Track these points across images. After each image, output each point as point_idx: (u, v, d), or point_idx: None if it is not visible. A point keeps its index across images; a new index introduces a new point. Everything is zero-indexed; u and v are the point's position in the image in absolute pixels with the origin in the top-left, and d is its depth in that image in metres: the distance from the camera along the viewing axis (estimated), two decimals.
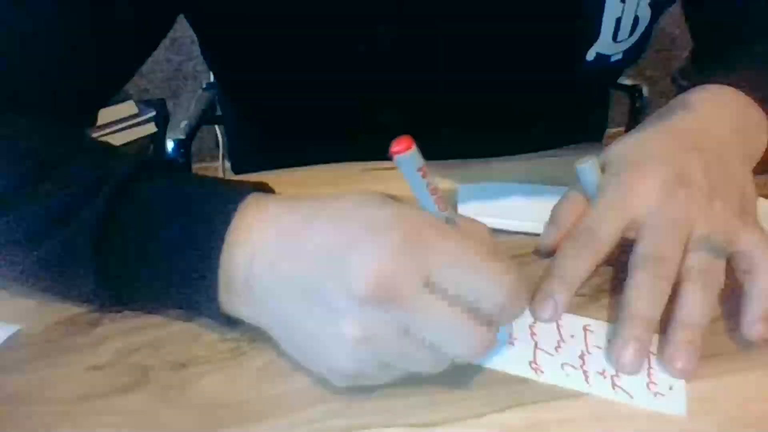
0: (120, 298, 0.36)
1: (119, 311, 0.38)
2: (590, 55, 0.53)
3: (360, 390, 0.32)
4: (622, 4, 0.50)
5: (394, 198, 0.31)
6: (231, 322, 0.35)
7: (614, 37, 0.52)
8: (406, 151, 0.30)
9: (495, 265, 0.30)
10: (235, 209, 0.33)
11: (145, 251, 0.34)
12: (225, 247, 0.33)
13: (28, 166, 0.37)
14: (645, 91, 1.00)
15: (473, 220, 0.34)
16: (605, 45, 0.52)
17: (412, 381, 0.33)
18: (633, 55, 0.55)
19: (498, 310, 0.30)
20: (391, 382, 0.32)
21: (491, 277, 0.30)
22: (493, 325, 0.30)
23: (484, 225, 0.33)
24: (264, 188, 0.37)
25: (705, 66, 0.53)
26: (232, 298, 0.33)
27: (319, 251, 0.30)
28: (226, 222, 0.33)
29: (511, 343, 0.36)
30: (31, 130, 0.41)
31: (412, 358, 0.30)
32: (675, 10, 0.57)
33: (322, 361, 0.31)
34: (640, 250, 0.37)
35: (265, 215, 0.33)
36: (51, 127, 0.41)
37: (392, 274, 0.28)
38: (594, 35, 0.52)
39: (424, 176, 0.31)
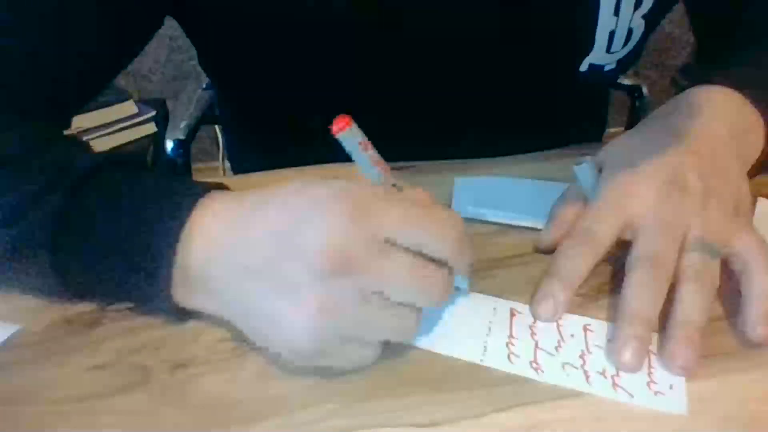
0: (76, 292, 0.37)
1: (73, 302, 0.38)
2: (584, 66, 0.53)
3: (360, 390, 0.32)
4: (615, 18, 0.50)
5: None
6: (183, 315, 0.36)
7: (608, 49, 0.52)
8: (345, 128, 0.32)
9: (437, 214, 0.33)
10: (189, 206, 0.34)
11: (101, 246, 0.35)
12: (180, 242, 0.33)
13: None
14: (645, 91, 1.00)
15: (416, 188, 0.36)
16: (599, 56, 0.53)
17: (413, 381, 0.33)
18: (627, 63, 0.55)
19: (448, 252, 0.32)
20: (353, 366, 0.33)
21: (436, 223, 0.32)
22: (449, 269, 0.33)
23: (427, 192, 0.36)
24: (221, 187, 0.37)
25: (705, 66, 0.53)
26: (192, 292, 0.34)
27: (269, 235, 0.32)
28: (180, 218, 0.34)
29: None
30: None
31: (378, 322, 0.31)
32: (675, 11, 0.57)
33: (284, 341, 0.31)
34: (637, 251, 0.38)
35: (217, 210, 0.34)
36: (19, 123, 0.41)
37: (347, 242, 0.30)
38: (587, 48, 0.52)
39: (365, 149, 0.34)
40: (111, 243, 0.34)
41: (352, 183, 0.32)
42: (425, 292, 0.32)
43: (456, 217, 0.33)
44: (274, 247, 0.31)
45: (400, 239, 0.31)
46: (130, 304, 0.37)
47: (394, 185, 0.35)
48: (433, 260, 0.32)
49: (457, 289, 0.38)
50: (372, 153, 0.34)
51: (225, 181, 0.38)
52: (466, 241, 0.33)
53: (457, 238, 0.33)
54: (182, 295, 0.35)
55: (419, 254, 0.32)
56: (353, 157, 0.34)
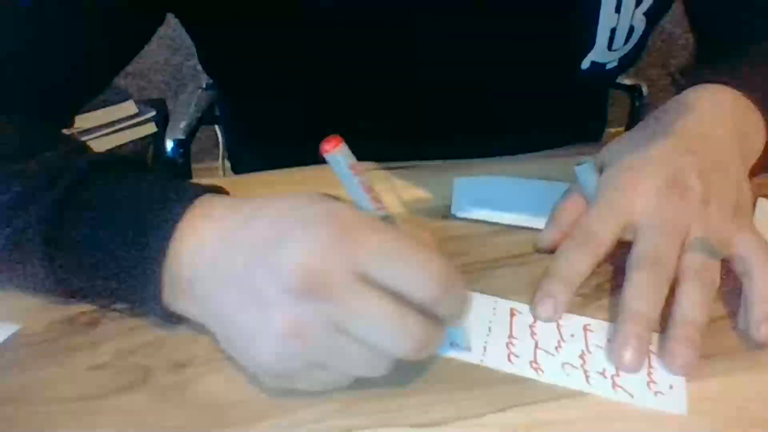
0: (68, 291, 0.37)
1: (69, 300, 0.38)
2: (585, 64, 0.53)
3: (360, 390, 0.32)
4: (616, 15, 0.50)
5: (335, 197, 0.32)
6: (175, 319, 0.36)
7: (609, 47, 0.52)
8: (334, 150, 0.30)
9: (424, 256, 0.29)
10: (182, 210, 0.34)
11: (93, 246, 0.35)
12: (171, 246, 0.33)
13: None
14: (645, 91, 1.00)
15: (414, 224, 0.34)
16: (600, 54, 0.52)
17: (413, 381, 0.33)
18: (629, 61, 0.55)
19: (430, 300, 0.29)
20: (322, 389, 0.32)
21: (420, 267, 0.29)
22: (437, 320, 0.30)
23: (427, 231, 0.33)
24: (218, 190, 0.37)
25: (705, 66, 0.53)
26: (178, 297, 0.34)
27: (253, 247, 0.31)
28: (173, 222, 0.34)
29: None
30: None
31: (346, 356, 0.29)
32: (675, 10, 0.57)
33: (252, 357, 0.31)
34: (637, 251, 0.38)
35: (210, 216, 0.34)
36: (19, 123, 0.42)
37: (321, 266, 0.28)
38: (589, 45, 0.52)
39: (356, 174, 0.31)
40: (104, 246, 0.34)
41: (342, 206, 0.31)
42: (397, 340, 0.29)
43: (446, 264, 0.29)
44: (252, 260, 0.30)
45: (379, 273, 0.29)
46: (127, 305, 0.38)
47: (386, 217, 0.32)
48: (415, 307, 0.29)
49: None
50: (363, 179, 0.31)
51: (224, 181, 0.38)
52: (451, 285, 0.29)
53: (440, 282, 0.29)
54: (171, 299, 0.35)
55: (398, 297, 0.29)
56: (343, 181, 0.31)
